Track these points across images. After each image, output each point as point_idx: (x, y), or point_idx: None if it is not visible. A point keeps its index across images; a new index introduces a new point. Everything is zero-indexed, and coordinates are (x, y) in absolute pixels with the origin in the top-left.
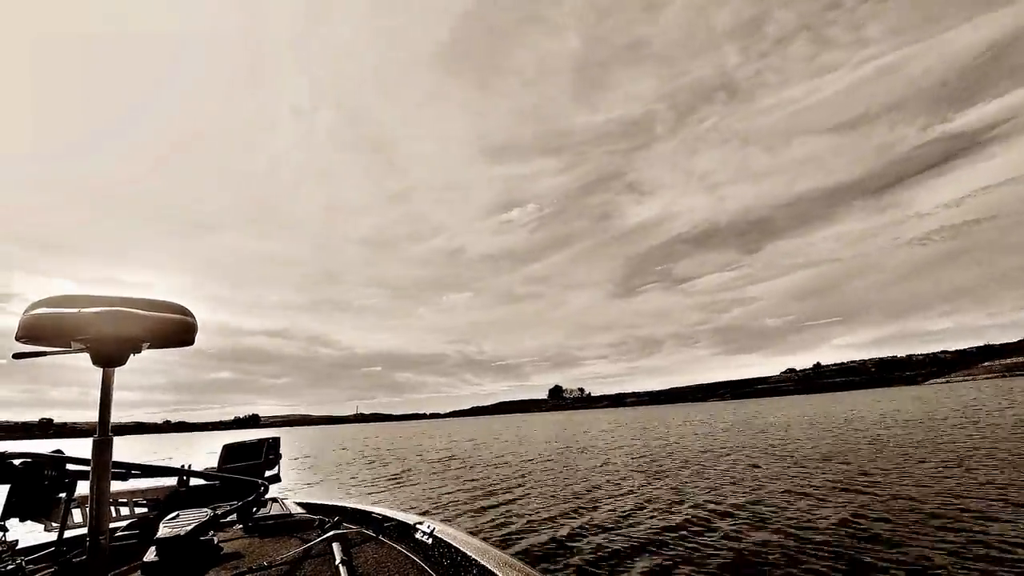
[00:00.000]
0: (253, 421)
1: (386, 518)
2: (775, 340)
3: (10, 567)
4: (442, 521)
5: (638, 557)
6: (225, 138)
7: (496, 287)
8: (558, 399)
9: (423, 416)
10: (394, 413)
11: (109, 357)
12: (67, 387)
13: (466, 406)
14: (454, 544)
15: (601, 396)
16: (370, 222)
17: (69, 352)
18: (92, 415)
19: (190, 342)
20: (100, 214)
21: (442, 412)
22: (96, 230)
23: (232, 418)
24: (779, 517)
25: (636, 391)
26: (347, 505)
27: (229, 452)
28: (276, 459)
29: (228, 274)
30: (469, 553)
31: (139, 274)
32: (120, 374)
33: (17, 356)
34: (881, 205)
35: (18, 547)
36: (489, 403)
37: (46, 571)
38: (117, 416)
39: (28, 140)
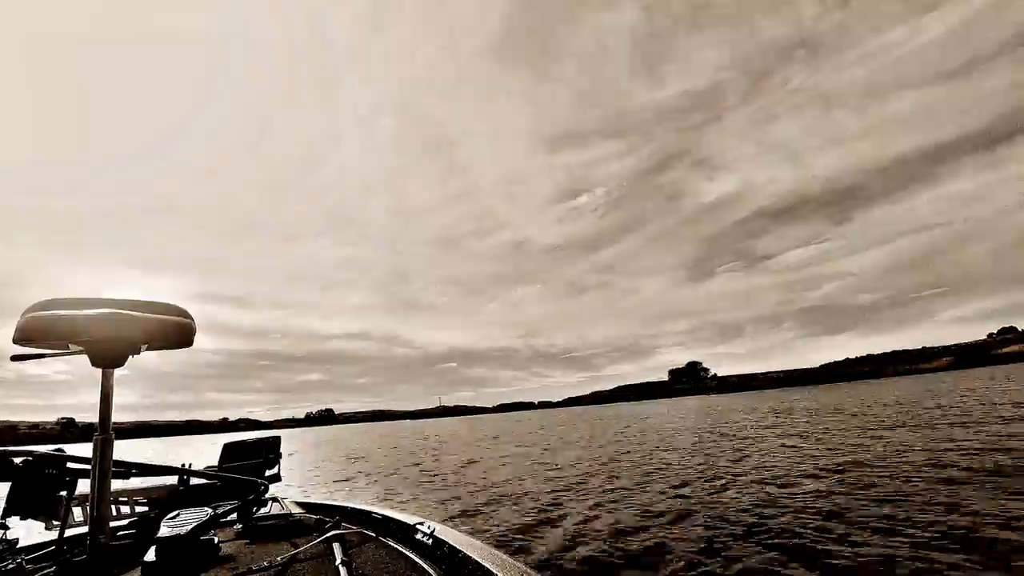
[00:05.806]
0: (328, 416)
1: (386, 518)
2: (871, 317)
3: (10, 566)
4: (442, 522)
5: None
6: (298, 152)
7: (564, 278)
8: (696, 382)
9: (531, 406)
10: (486, 406)
11: (107, 359)
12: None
13: (557, 398)
14: (454, 545)
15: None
16: (436, 221)
17: (67, 354)
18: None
19: (188, 343)
20: (191, 230)
21: (553, 400)
22: (189, 247)
23: (304, 415)
24: None
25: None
26: (347, 505)
27: (229, 452)
28: (276, 459)
29: (313, 281)
30: (469, 554)
31: (236, 287)
32: (224, 379)
33: (15, 358)
34: (997, 160)
35: (18, 546)
36: (610, 387)
37: (47, 570)
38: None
39: (122, 153)
